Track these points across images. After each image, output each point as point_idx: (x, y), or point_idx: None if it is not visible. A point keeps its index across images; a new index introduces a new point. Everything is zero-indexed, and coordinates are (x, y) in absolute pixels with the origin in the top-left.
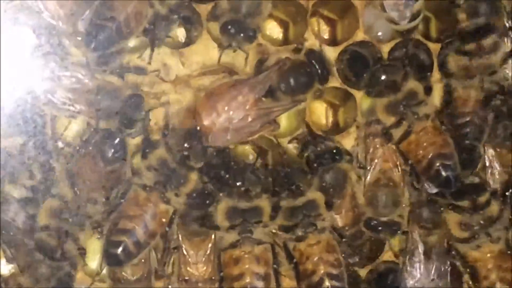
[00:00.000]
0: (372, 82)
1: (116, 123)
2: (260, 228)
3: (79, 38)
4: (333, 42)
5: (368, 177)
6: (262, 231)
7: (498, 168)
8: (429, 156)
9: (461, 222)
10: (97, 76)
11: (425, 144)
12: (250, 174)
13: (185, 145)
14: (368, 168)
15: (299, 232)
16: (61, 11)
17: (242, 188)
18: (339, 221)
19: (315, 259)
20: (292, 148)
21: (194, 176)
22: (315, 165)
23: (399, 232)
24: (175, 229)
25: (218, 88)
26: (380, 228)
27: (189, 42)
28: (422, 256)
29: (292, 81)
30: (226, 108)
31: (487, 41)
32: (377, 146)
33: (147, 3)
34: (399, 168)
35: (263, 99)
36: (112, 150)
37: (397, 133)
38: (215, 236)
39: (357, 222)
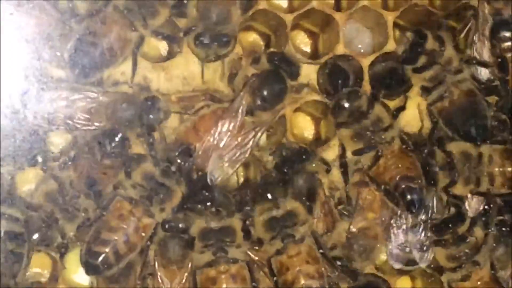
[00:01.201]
0: (337, 111)
1: (138, 130)
2: (234, 247)
3: (58, 54)
4: (314, 55)
5: (353, 225)
6: (237, 250)
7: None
8: (396, 179)
9: (448, 256)
10: (109, 90)
11: (392, 167)
12: (219, 195)
13: (178, 160)
14: (355, 214)
15: (278, 245)
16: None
17: (213, 209)
18: (319, 227)
19: (295, 270)
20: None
21: (179, 192)
22: (285, 169)
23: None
24: (151, 255)
25: (203, 124)
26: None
27: (170, 56)
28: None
29: (266, 93)
30: (215, 143)
31: (429, 45)
32: (366, 195)
33: (130, 28)
34: (383, 218)
35: (246, 118)
36: (112, 145)
37: (366, 159)
38: (191, 265)
39: (333, 228)
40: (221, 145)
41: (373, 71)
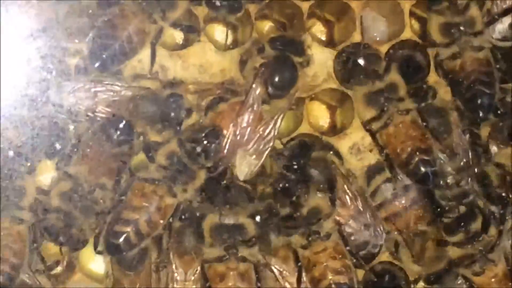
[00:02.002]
0: (352, 71)
1: (159, 126)
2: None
3: (76, 41)
4: (330, 43)
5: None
6: (247, 250)
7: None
8: (408, 150)
9: (462, 254)
10: (134, 84)
11: (404, 137)
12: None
13: (204, 141)
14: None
15: (303, 241)
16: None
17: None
18: (343, 214)
19: (322, 266)
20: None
21: (202, 174)
22: (294, 167)
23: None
24: (166, 244)
25: (222, 120)
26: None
27: (186, 44)
28: None
29: (277, 80)
30: (238, 138)
31: None
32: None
33: (149, 20)
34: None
35: (263, 107)
36: (118, 132)
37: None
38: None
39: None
40: (244, 140)
41: (390, 59)
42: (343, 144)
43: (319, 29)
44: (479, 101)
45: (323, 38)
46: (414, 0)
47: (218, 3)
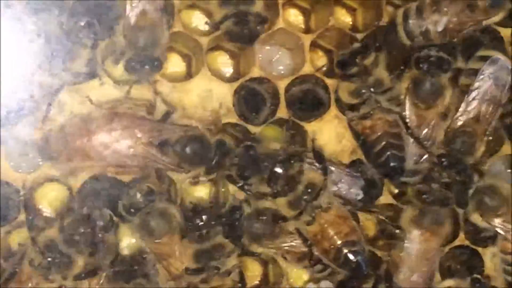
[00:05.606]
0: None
1: None
2: None
3: None
4: (235, 76)
5: None
6: None
7: None
8: (337, 245)
9: None
10: None
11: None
12: None
13: (80, 229)
14: None
15: (204, 275)
16: None
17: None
18: None
19: None
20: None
21: (81, 262)
22: None
23: None
24: None
25: (125, 113)
26: None
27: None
28: None
29: (188, 149)
30: (119, 129)
31: (367, 60)
32: None
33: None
34: None
35: (155, 147)
36: None
37: None
38: None
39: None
40: (122, 135)
41: (289, 94)
42: None
43: (224, 60)
44: (391, 165)
45: (230, 70)
46: (314, 35)
47: (137, 66)
